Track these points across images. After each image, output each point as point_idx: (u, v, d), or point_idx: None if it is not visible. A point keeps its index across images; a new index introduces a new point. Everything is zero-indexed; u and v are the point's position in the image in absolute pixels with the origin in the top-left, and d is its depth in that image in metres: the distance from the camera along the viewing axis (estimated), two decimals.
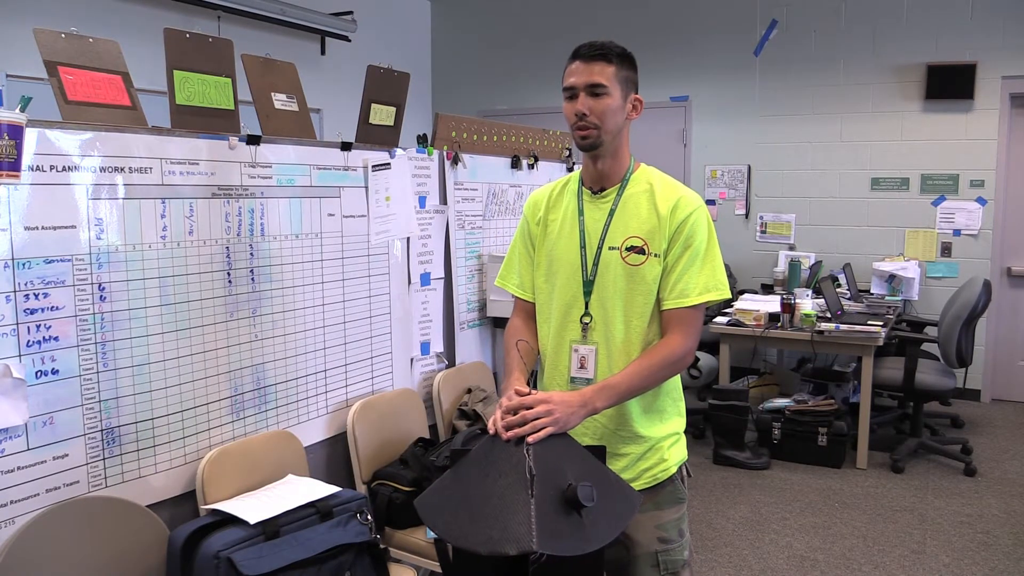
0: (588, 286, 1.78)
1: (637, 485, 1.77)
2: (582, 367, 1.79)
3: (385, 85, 2.86)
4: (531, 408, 1.56)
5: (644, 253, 1.74)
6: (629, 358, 1.75)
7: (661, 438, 1.80)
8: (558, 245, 1.83)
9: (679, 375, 1.84)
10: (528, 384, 1.74)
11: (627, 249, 1.75)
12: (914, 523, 3.73)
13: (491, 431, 1.58)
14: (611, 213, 1.78)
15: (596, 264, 1.77)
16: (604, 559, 1.59)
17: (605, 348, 1.77)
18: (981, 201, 5.55)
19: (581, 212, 1.82)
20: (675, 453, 1.83)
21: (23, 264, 1.77)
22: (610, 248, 1.76)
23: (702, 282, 1.73)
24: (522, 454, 1.50)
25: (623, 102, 1.73)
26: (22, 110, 1.71)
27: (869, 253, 5.84)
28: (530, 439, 1.53)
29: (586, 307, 1.79)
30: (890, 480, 4.25)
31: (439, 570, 1.90)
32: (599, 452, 1.64)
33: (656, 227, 1.74)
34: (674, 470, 1.82)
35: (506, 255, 2.01)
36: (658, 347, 1.74)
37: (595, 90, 1.70)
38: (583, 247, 1.80)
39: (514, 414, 1.57)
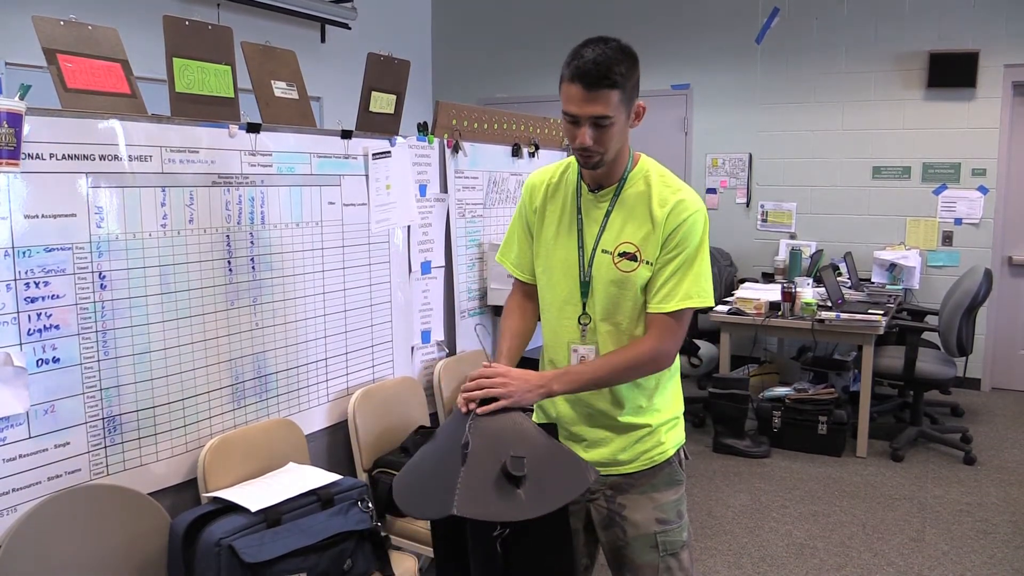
0: (585, 287, 1.77)
1: (634, 467, 1.79)
2: None
3: (385, 73, 2.85)
4: (490, 379, 1.60)
5: (636, 260, 1.72)
6: None
7: (659, 424, 1.81)
8: (556, 242, 1.82)
9: (678, 361, 1.84)
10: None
11: (620, 255, 1.73)
12: (913, 511, 3.74)
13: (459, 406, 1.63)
14: (607, 215, 1.76)
15: (591, 266, 1.76)
16: (570, 534, 1.68)
17: (601, 349, 1.77)
18: (983, 190, 5.54)
19: (579, 210, 1.79)
20: (672, 436, 1.84)
21: (23, 252, 1.77)
22: (603, 251, 1.75)
23: (684, 289, 1.71)
24: (465, 426, 1.55)
25: (627, 119, 1.67)
26: (21, 98, 1.71)
27: (870, 242, 5.83)
28: (479, 411, 1.56)
29: (583, 308, 1.78)
30: (890, 468, 4.26)
31: None
32: (550, 429, 1.67)
33: (650, 232, 1.71)
34: (671, 453, 1.83)
35: (507, 231, 1.99)
36: (629, 346, 1.74)
37: (600, 121, 1.62)
38: (580, 247, 1.78)
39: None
